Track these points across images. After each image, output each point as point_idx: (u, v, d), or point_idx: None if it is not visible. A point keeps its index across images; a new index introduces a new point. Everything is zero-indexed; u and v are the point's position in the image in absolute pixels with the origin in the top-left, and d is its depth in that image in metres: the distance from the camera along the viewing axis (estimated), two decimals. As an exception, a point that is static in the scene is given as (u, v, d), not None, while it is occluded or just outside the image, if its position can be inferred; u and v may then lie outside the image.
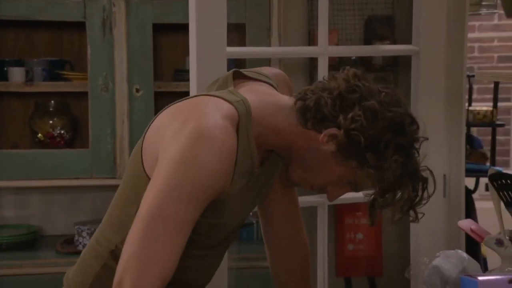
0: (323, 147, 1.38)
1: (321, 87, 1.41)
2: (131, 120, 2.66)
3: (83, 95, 2.72)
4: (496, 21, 5.85)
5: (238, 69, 1.52)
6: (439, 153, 2.58)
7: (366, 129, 1.34)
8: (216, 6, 2.13)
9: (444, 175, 2.59)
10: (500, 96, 4.63)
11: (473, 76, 3.55)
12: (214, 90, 1.48)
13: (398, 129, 1.37)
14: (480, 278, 1.18)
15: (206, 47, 2.10)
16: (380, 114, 1.35)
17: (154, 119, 1.42)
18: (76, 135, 2.90)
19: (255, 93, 1.44)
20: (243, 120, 1.36)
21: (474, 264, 1.50)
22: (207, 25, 2.11)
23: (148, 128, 1.42)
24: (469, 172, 2.75)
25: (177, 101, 1.44)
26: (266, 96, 1.45)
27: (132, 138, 2.67)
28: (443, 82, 2.55)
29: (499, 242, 1.56)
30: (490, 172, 1.66)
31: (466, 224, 1.67)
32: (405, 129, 1.39)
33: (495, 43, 5.93)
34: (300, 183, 1.48)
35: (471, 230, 1.62)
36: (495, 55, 5.91)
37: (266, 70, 1.63)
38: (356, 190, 1.47)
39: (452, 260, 1.51)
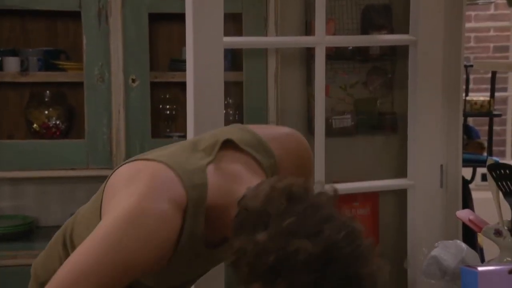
0: None
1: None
2: (127, 110, 2.65)
3: (79, 85, 2.70)
4: (492, 11, 5.85)
5: (232, 140, 1.39)
6: (436, 143, 2.57)
7: (250, 258, 1.17)
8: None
9: (441, 165, 2.59)
10: (496, 86, 4.62)
11: (471, 66, 3.54)
12: (200, 148, 1.37)
13: (285, 265, 1.14)
14: (480, 268, 1.18)
15: (202, 37, 2.09)
16: (265, 251, 1.15)
17: (119, 167, 1.36)
18: (71, 126, 2.88)
19: (226, 177, 1.32)
20: (191, 207, 1.27)
21: (472, 255, 1.49)
22: (204, 15, 2.10)
23: (112, 174, 1.36)
24: (466, 162, 2.74)
25: (144, 155, 1.37)
26: (234, 184, 1.32)
27: (128, 128, 2.65)
28: (441, 72, 2.55)
29: (498, 232, 1.55)
30: (488, 162, 1.65)
31: (464, 214, 1.66)
32: (294, 266, 1.14)
33: (491, 33, 5.92)
34: None
35: (470, 220, 1.61)
36: (491, 45, 5.90)
37: (277, 131, 1.50)
38: None
39: (451, 250, 1.51)
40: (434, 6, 2.50)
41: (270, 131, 1.48)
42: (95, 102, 2.65)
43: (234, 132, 1.42)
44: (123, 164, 1.37)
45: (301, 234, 1.14)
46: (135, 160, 1.37)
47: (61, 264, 1.32)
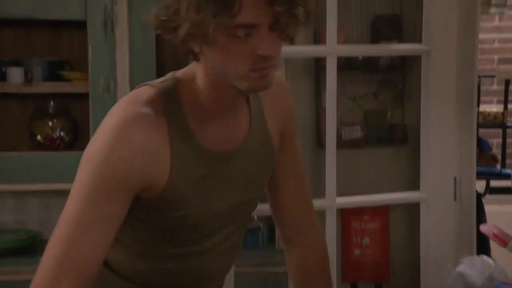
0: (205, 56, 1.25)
1: None
2: (133, 122, 2.58)
3: (84, 96, 2.64)
4: (496, 23, 5.80)
5: None
6: (449, 155, 2.52)
7: None
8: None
9: (455, 178, 2.53)
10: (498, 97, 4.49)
11: (491, 76, 3.46)
12: None
13: None
14: (516, 286, 1.11)
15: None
16: None
17: None
18: (76, 138, 2.82)
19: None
20: (168, 99, 1.29)
21: (501, 271, 1.43)
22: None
23: None
24: (478, 175, 2.68)
25: None
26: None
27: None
28: (454, 82, 2.50)
29: (525, 247, 1.49)
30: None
31: (488, 228, 1.60)
32: None
33: (496, 44, 5.88)
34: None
35: (494, 234, 1.55)
36: (496, 56, 5.86)
37: None
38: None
39: (477, 266, 1.44)
40: (447, 14, 2.45)
41: None
42: (100, 114, 2.56)
43: None
44: None
45: None
46: None
47: None
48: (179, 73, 1.35)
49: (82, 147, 2.72)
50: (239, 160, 1.36)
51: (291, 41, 1.26)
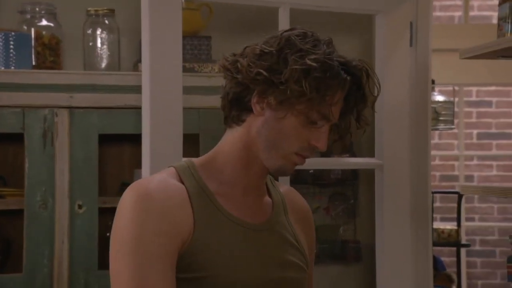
0: (263, 118, 1.35)
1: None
2: (71, 239, 2.41)
3: (17, 213, 2.46)
4: (436, 140, 5.90)
5: None
6: (406, 274, 2.42)
7: (254, 67, 1.32)
8: (172, 117, 2.01)
9: (412, 298, 2.42)
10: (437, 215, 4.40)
11: (435, 192, 3.43)
12: None
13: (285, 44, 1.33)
14: None
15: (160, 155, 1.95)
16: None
17: None
18: (7, 258, 2.61)
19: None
20: (181, 169, 1.37)
21: None
22: (162, 135, 1.98)
23: None
24: (435, 296, 2.58)
25: None
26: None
27: (72, 260, 2.40)
28: (408, 197, 2.44)
29: None
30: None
31: None
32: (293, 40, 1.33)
33: (437, 161, 5.95)
34: (284, 162, 1.38)
35: None
36: (437, 173, 5.91)
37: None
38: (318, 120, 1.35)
39: None
40: (399, 130, 2.43)
41: None
42: (35, 232, 2.40)
43: None
44: None
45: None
46: None
47: None
48: (194, 158, 1.42)
49: (15, 269, 2.54)
50: (267, 237, 1.38)
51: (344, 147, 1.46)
